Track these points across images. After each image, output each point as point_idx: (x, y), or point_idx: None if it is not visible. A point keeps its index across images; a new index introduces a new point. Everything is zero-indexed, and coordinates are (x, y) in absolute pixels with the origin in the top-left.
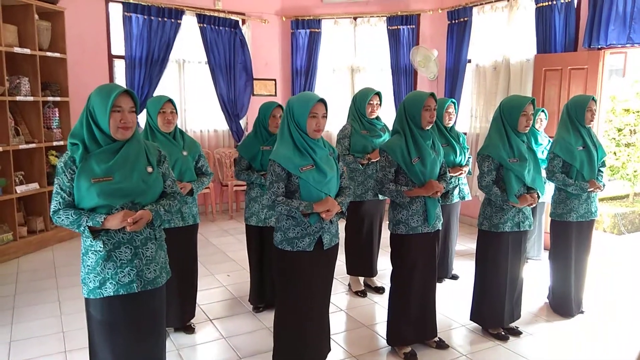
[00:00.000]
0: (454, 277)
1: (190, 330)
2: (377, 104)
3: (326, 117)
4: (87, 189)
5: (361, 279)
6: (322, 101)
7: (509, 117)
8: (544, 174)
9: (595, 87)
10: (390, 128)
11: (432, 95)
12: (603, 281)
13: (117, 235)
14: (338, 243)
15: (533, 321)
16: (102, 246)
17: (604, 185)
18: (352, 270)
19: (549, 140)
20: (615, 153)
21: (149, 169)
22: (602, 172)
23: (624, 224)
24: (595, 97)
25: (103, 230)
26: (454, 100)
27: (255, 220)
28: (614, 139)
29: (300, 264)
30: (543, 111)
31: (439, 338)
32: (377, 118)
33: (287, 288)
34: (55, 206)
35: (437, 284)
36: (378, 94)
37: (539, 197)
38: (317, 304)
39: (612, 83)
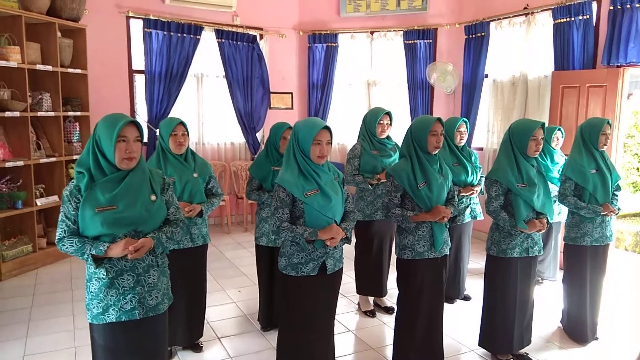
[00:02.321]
0: (466, 298)
1: (197, 348)
2: (387, 123)
3: (331, 143)
4: (91, 217)
5: (371, 298)
6: (327, 128)
7: (518, 142)
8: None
9: (614, 106)
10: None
11: (439, 120)
12: (621, 304)
13: (119, 263)
14: (342, 267)
15: (544, 347)
16: (105, 274)
17: (618, 209)
18: (361, 289)
19: (565, 159)
20: (638, 169)
21: (153, 197)
22: (616, 195)
23: None
24: (612, 118)
25: (106, 258)
26: (465, 119)
27: (266, 241)
28: (637, 154)
29: (304, 288)
30: (559, 129)
31: None
32: (388, 137)
33: (291, 311)
34: (60, 234)
35: (449, 305)
36: (388, 113)
37: (548, 222)
38: (320, 327)
39: (635, 97)
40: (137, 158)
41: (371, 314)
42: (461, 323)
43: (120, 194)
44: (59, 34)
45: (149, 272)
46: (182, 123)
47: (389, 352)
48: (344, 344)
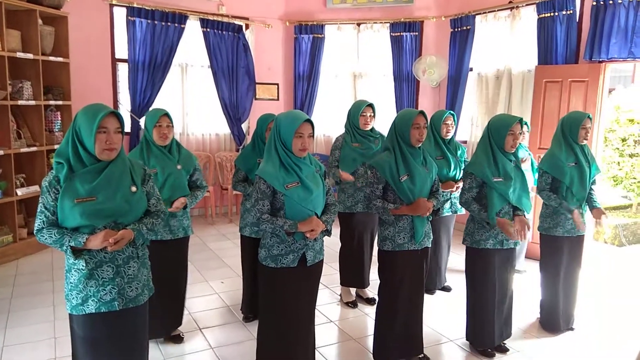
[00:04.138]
0: (446, 289)
1: (178, 339)
2: (370, 115)
3: (313, 136)
4: (71, 209)
5: (353, 289)
6: (309, 121)
7: (496, 136)
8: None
9: (595, 100)
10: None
11: (422, 113)
12: (598, 295)
13: (99, 254)
14: (322, 259)
15: (522, 337)
16: (85, 265)
17: (596, 206)
18: (344, 281)
19: (529, 153)
20: (618, 163)
21: (133, 189)
22: (593, 189)
23: (625, 235)
24: (593, 112)
25: (85, 249)
26: (452, 112)
27: (249, 231)
28: (618, 148)
29: (284, 280)
30: (525, 124)
31: (423, 354)
32: (372, 130)
33: (270, 303)
34: (39, 225)
35: (429, 296)
36: (371, 105)
37: (528, 226)
38: (300, 318)
39: (617, 92)
40: (117, 149)
41: (353, 304)
42: (442, 314)
43: (100, 185)
44: (40, 21)
45: (128, 263)
46: (166, 114)
47: (370, 342)
48: (325, 334)
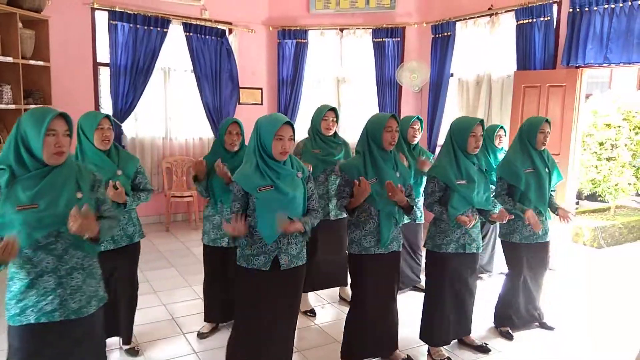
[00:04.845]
0: (419, 289)
1: (133, 353)
2: (332, 120)
3: (293, 139)
4: (11, 217)
5: (335, 292)
6: (289, 123)
7: (459, 139)
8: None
9: (572, 105)
10: (349, 144)
11: (394, 116)
12: (578, 298)
13: (40, 264)
14: (302, 265)
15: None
16: (26, 274)
17: (555, 211)
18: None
19: None
20: (596, 167)
21: (79, 195)
22: (552, 195)
23: (603, 237)
24: (570, 117)
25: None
26: (420, 117)
27: (207, 239)
28: (596, 152)
29: (254, 281)
30: (502, 127)
31: (407, 355)
32: (335, 135)
33: (242, 303)
34: None
35: (410, 298)
36: (334, 109)
37: (490, 220)
38: (273, 322)
39: (595, 97)
40: (66, 153)
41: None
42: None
43: (42, 190)
44: (20, 24)
45: (72, 274)
46: (107, 117)
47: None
48: (307, 335)
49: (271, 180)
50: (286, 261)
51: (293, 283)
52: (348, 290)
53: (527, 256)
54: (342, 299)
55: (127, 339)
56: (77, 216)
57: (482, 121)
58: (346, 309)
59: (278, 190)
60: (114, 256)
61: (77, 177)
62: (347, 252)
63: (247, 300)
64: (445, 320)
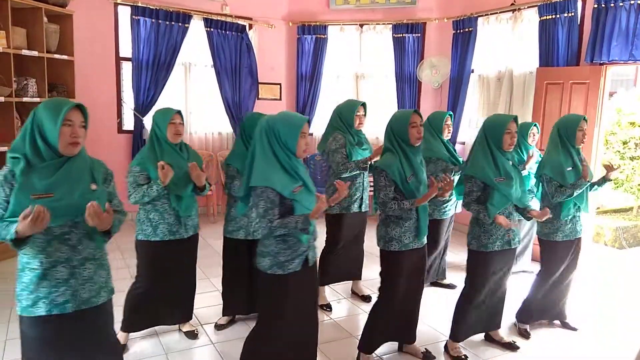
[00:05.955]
0: (450, 287)
1: (192, 335)
2: (363, 115)
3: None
4: (26, 205)
5: (348, 286)
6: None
7: (493, 136)
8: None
9: (595, 103)
10: (369, 139)
11: (416, 111)
12: (599, 297)
13: (54, 254)
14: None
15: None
16: (39, 264)
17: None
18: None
19: (540, 155)
20: (619, 166)
21: (93, 186)
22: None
23: (625, 238)
24: (593, 115)
25: (35, 246)
26: (451, 113)
27: (226, 232)
28: (619, 151)
29: (292, 285)
30: (535, 125)
31: (426, 350)
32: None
33: (278, 311)
34: None
35: (431, 294)
36: (364, 104)
37: (528, 217)
38: (307, 319)
39: (619, 95)
40: (81, 144)
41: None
42: (443, 312)
43: (58, 180)
44: (45, 19)
45: (84, 265)
46: (179, 112)
47: None
48: (323, 329)
49: (299, 178)
50: (312, 256)
51: (315, 274)
52: (361, 284)
53: (564, 255)
54: (354, 293)
55: (187, 320)
56: (99, 212)
57: (516, 117)
58: (362, 304)
59: (307, 188)
60: (181, 244)
61: (91, 169)
62: (382, 249)
63: (286, 305)
64: (477, 317)
